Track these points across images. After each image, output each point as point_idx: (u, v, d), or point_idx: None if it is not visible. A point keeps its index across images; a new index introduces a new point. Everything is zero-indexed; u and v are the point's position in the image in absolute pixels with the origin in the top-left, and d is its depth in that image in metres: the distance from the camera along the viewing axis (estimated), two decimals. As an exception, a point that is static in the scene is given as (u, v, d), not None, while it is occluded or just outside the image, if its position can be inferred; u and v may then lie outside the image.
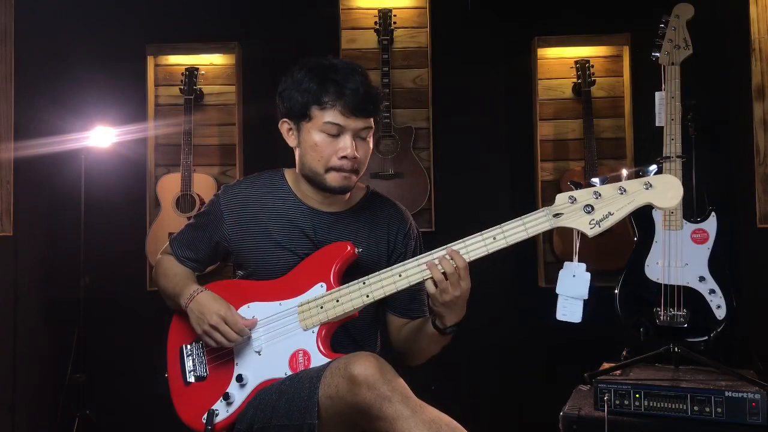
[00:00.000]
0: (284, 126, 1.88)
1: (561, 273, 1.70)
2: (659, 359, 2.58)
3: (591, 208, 1.62)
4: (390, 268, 1.73)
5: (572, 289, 1.67)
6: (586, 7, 3.48)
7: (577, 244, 1.67)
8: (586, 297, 1.67)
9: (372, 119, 1.83)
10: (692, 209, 2.71)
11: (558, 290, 1.69)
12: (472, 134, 3.57)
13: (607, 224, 1.62)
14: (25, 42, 3.23)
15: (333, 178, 1.81)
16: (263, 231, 1.88)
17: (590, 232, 1.62)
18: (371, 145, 1.87)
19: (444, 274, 1.65)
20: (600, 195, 1.62)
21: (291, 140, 1.88)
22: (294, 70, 1.85)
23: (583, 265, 1.67)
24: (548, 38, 3.46)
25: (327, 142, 1.79)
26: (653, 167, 1.63)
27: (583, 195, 1.64)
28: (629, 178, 1.63)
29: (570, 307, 1.68)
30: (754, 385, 2.29)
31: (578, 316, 1.67)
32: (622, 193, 1.61)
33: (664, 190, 1.60)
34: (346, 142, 1.78)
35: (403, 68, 3.57)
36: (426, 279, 1.68)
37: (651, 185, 1.60)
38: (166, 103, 3.59)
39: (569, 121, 3.52)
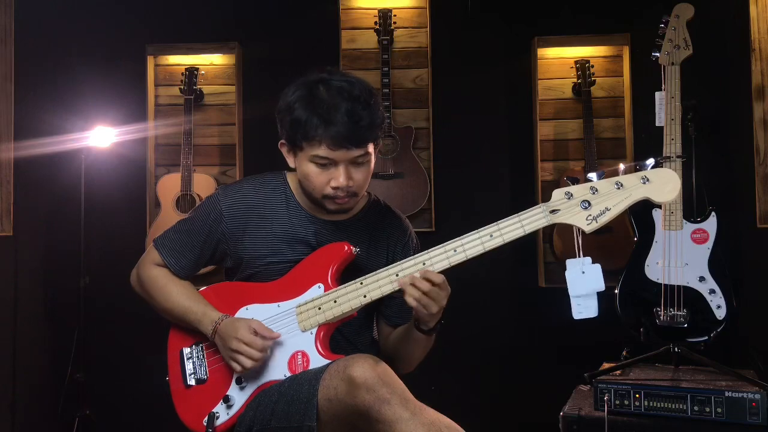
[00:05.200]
0: (284, 148, 1.84)
1: (569, 273, 1.65)
2: (659, 359, 2.59)
3: (588, 203, 1.61)
4: (386, 267, 1.72)
5: (586, 286, 1.63)
6: (586, 7, 3.48)
7: (579, 240, 1.65)
8: (603, 288, 1.64)
9: (368, 146, 1.74)
10: (692, 209, 2.71)
11: (572, 292, 1.64)
12: (472, 134, 3.56)
13: (604, 220, 1.60)
14: (25, 42, 3.23)
15: (329, 204, 1.80)
16: (263, 234, 1.87)
17: (587, 228, 1.61)
18: (372, 167, 1.81)
19: (423, 292, 1.64)
20: (597, 190, 1.61)
21: (290, 161, 1.84)
22: (288, 91, 1.77)
23: (589, 259, 1.64)
24: (548, 38, 3.46)
25: (318, 173, 1.75)
26: (650, 161, 1.61)
27: (579, 190, 1.62)
28: (626, 172, 1.61)
29: (585, 304, 1.64)
30: (754, 385, 2.29)
31: (594, 311, 1.63)
32: (618, 188, 1.60)
33: (662, 184, 1.58)
34: (338, 173, 1.73)
35: (403, 68, 3.57)
36: (404, 295, 1.67)
37: (648, 179, 1.58)
38: (166, 103, 3.59)
39: (569, 121, 3.52)
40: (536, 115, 3.47)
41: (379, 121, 1.74)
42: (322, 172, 1.74)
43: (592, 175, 1.62)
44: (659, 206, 2.61)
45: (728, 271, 2.55)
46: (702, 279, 2.55)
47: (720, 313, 2.53)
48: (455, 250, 1.66)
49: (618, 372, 2.50)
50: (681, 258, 2.57)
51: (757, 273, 3.01)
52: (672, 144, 2.59)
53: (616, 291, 2.64)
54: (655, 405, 2.30)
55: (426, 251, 1.70)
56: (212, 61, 3.60)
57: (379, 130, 1.75)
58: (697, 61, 2.67)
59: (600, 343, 2.89)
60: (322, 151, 1.71)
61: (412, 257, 1.71)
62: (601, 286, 1.64)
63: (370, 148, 1.76)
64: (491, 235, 1.65)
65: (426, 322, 1.74)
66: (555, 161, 3.50)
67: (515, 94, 3.56)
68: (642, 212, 2.65)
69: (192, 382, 1.86)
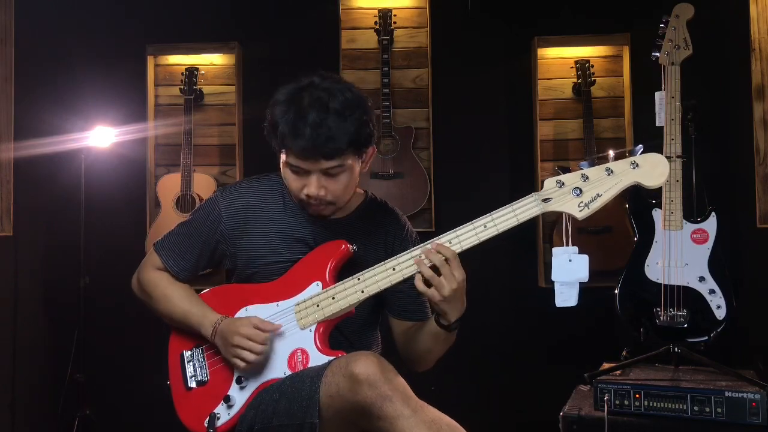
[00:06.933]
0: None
1: (555, 260, 1.67)
2: (659, 359, 2.59)
3: (579, 190, 1.63)
4: (383, 262, 1.72)
5: (571, 274, 1.65)
6: (586, 7, 3.48)
7: (569, 228, 1.66)
8: (587, 279, 1.65)
9: (340, 158, 1.70)
10: (692, 209, 2.71)
11: (555, 278, 1.66)
12: (472, 134, 3.56)
13: (595, 206, 1.62)
14: (25, 42, 3.23)
15: (307, 208, 1.81)
16: (262, 235, 1.87)
17: (579, 215, 1.62)
18: (353, 177, 1.78)
19: (434, 269, 1.63)
20: (587, 177, 1.63)
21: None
22: (279, 91, 1.76)
23: (576, 248, 1.66)
24: (548, 38, 3.46)
25: (293, 178, 1.76)
26: (640, 147, 1.64)
27: (570, 178, 1.64)
28: (617, 159, 1.64)
29: (567, 292, 1.66)
30: (754, 385, 2.29)
31: (575, 300, 1.66)
32: (609, 174, 1.62)
33: (651, 168, 1.60)
34: (309, 181, 1.73)
35: (403, 68, 3.57)
36: (416, 273, 1.67)
37: (637, 164, 1.60)
38: (166, 103, 3.59)
39: (569, 121, 3.52)
40: (536, 115, 3.47)
41: (352, 135, 1.69)
42: (297, 179, 1.76)
43: (583, 164, 1.65)
44: (659, 206, 2.61)
45: (728, 271, 2.56)
46: (702, 279, 2.55)
47: (720, 313, 2.53)
48: (450, 242, 1.66)
49: (618, 372, 2.50)
50: (681, 258, 2.57)
51: (757, 273, 3.01)
52: (672, 144, 2.59)
53: (616, 291, 2.64)
54: (655, 405, 2.30)
55: (421, 245, 1.70)
56: (212, 61, 3.60)
57: (354, 143, 1.71)
58: (697, 61, 2.67)
59: (600, 343, 2.89)
60: (292, 159, 1.73)
61: (408, 251, 1.71)
62: (585, 276, 1.65)
63: (348, 160, 1.73)
64: (485, 226, 1.65)
65: (445, 313, 1.69)
66: (555, 161, 3.50)
67: (515, 94, 3.56)
68: (642, 212, 2.65)
69: (193, 384, 1.86)
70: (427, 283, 1.64)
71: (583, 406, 2.40)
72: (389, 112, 3.43)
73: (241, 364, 1.73)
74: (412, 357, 1.90)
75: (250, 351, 1.71)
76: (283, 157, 1.76)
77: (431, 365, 1.90)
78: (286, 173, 1.78)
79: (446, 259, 1.63)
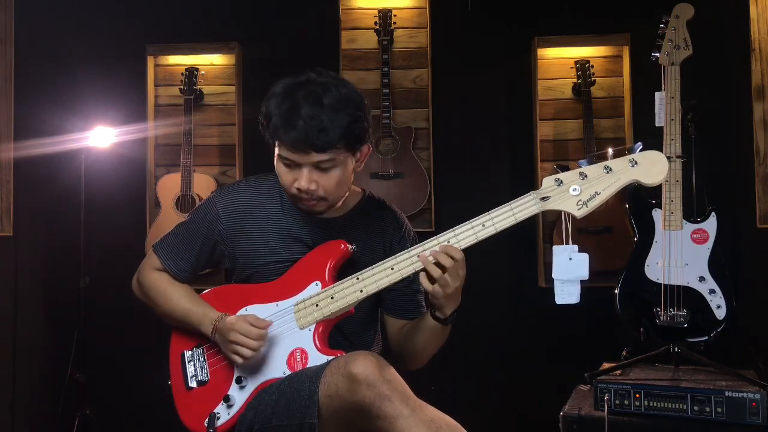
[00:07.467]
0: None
1: (555, 258, 1.67)
2: (659, 359, 2.59)
3: (578, 189, 1.62)
4: (382, 262, 1.73)
5: (571, 272, 1.65)
6: (586, 7, 3.48)
7: (569, 227, 1.66)
8: (587, 277, 1.65)
9: (332, 152, 1.70)
10: (692, 209, 2.71)
11: (556, 275, 1.66)
12: (472, 134, 3.56)
13: (594, 204, 1.61)
14: (25, 42, 3.23)
15: (299, 204, 1.81)
16: (259, 235, 1.87)
17: (578, 213, 1.62)
18: (346, 174, 1.77)
19: (441, 267, 1.64)
20: (586, 176, 1.62)
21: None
22: (275, 85, 1.78)
23: (576, 246, 1.66)
24: (548, 38, 3.46)
25: (285, 171, 1.76)
26: (639, 145, 1.63)
27: (569, 177, 1.63)
28: (615, 157, 1.63)
29: (568, 290, 1.66)
30: (754, 385, 2.29)
31: (576, 297, 1.66)
32: (607, 173, 1.61)
33: (650, 166, 1.59)
34: (301, 174, 1.73)
35: (403, 68, 3.57)
36: (419, 271, 1.68)
37: (636, 162, 1.60)
38: (166, 103, 3.59)
39: (569, 121, 3.52)
40: (536, 115, 3.47)
41: (344, 129, 1.69)
42: (289, 172, 1.76)
43: (582, 162, 1.65)
44: (659, 206, 2.61)
45: (728, 271, 2.55)
46: (702, 279, 2.55)
47: (720, 313, 2.53)
48: (448, 241, 1.67)
49: (618, 372, 2.50)
50: (681, 258, 2.57)
51: (757, 273, 3.01)
52: (672, 144, 2.59)
53: (616, 291, 2.64)
54: (655, 405, 2.30)
55: (419, 244, 1.70)
56: (212, 61, 3.60)
57: (346, 138, 1.71)
58: (697, 61, 2.67)
59: (600, 343, 2.89)
60: (284, 152, 1.73)
61: (406, 251, 1.71)
62: (585, 274, 1.65)
63: (341, 155, 1.72)
64: (483, 225, 1.66)
65: (442, 307, 1.71)
66: (555, 161, 3.50)
67: (515, 94, 3.56)
68: (642, 212, 2.65)
69: (193, 384, 1.86)
70: (431, 279, 1.65)
71: (583, 405, 2.40)
72: (389, 112, 3.43)
73: (238, 359, 1.74)
74: (407, 355, 1.90)
75: (245, 347, 1.72)
76: (276, 150, 1.77)
77: (425, 363, 1.90)
78: (278, 167, 1.78)
79: (454, 260, 1.64)
